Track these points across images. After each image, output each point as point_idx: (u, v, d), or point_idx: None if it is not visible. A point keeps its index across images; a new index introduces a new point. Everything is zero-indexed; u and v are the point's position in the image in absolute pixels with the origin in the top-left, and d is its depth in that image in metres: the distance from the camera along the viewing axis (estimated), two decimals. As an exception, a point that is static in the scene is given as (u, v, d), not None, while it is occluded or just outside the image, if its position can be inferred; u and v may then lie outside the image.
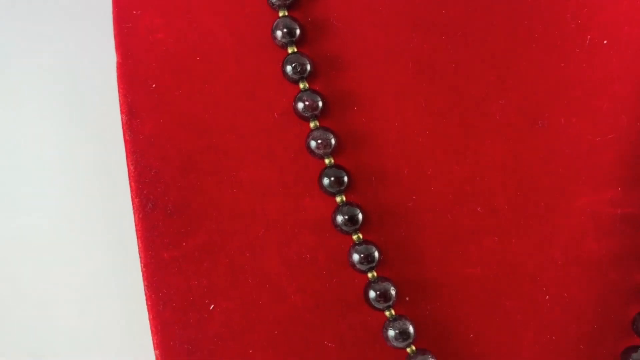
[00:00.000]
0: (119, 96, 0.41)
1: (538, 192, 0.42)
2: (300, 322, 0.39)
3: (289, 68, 0.39)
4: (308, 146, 0.39)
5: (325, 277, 0.39)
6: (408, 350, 0.39)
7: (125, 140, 0.40)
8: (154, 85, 0.41)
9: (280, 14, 0.40)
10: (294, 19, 0.40)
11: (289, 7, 0.40)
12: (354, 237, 0.39)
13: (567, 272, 0.42)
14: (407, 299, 0.40)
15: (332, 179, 0.39)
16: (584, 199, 0.43)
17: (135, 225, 0.39)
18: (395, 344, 0.38)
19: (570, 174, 0.42)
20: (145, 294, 0.39)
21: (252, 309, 0.39)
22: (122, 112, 0.41)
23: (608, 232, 0.43)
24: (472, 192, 0.41)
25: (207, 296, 0.39)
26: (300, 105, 0.39)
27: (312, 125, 0.39)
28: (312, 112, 0.39)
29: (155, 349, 0.38)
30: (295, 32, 0.40)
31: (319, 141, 0.39)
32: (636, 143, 0.43)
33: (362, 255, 0.38)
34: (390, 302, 0.38)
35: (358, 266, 0.39)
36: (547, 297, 0.42)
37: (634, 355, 0.41)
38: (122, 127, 0.41)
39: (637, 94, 0.43)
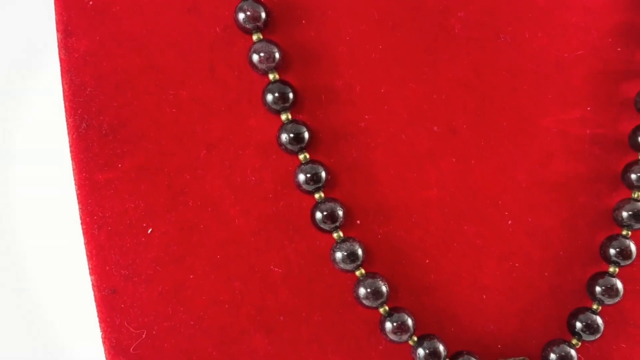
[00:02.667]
0: (55, 15, 0.39)
1: (501, 111, 0.39)
2: (245, 247, 0.37)
3: (230, -22, 0.37)
4: (250, 61, 0.37)
5: (271, 200, 0.37)
6: (357, 273, 0.36)
7: (60, 59, 0.38)
8: (90, 3, 0.39)
9: None
10: None
11: None
12: (300, 156, 0.36)
13: (532, 195, 0.39)
14: (359, 222, 0.38)
15: (277, 94, 0.36)
16: (550, 118, 0.40)
17: (70, 146, 0.37)
18: (342, 266, 0.36)
19: (536, 92, 0.40)
20: (80, 217, 0.37)
21: (193, 233, 0.37)
22: (57, 31, 0.39)
23: (577, 154, 0.40)
24: (429, 110, 0.39)
25: (144, 219, 0.37)
26: (241, 15, 0.36)
27: (255, 37, 0.37)
28: (255, 24, 0.37)
29: (90, 274, 0.36)
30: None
31: (262, 54, 0.36)
32: (608, 60, 0.40)
33: (308, 175, 0.36)
34: (338, 223, 0.36)
35: (304, 186, 0.36)
36: (510, 221, 0.39)
37: (601, 281, 0.39)
38: (58, 46, 0.39)
39: (609, 6, 0.40)
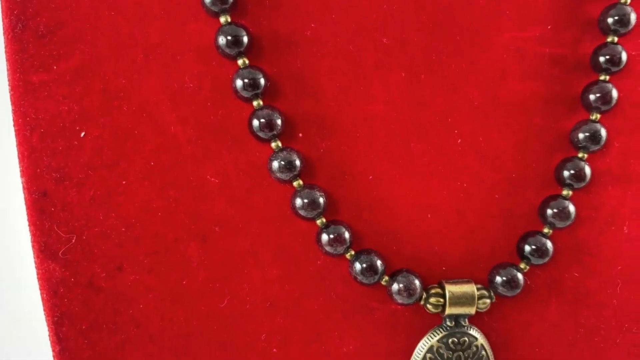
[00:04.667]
0: None
1: (455, 25, 0.38)
2: (180, 155, 0.36)
3: None
4: (190, -41, 0.35)
5: (209, 109, 0.36)
6: (294, 184, 0.35)
7: (-3, -39, 0.37)
8: None
9: None
10: None
11: None
12: (239, 61, 0.35)
13: (485, 114, 0.38)
14: (300, 135, 0.37)
15: (216, -4, 0.35)
16: (508, 34, 0.38)
17: (5, 47, 0.36)
18: (279, 175, 0.35)
19: (493, 7, 0.38)
20: (13, 119, 0.36)
21: (127, 139, 0.36)
22: None
23: (534, 73, 0.38)
24: (379, 21, 0.37)
25: (78, 123, 0.36)
26: None
27: (194, -62, 0.35)
28: None
29: (21, 176, 0.36)
30: None
31: (202, -45, 0.35)
32: (572, -25, 0.38)
33: (246, 81, 0.35)
34: (276, 132, 0.35)
35: (241, 93, 0.35)
36: (460, 140, 0.38)
37: (553, 203, 0.37)
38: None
39: None
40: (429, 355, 0.37)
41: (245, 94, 0.35)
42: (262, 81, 0.35)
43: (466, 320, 0.37)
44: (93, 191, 0.35)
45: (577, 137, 0.37)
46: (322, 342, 0.37)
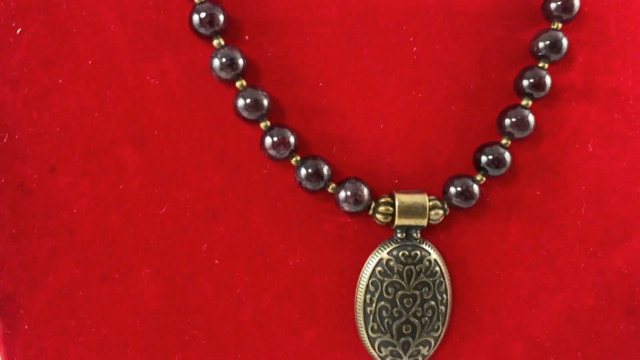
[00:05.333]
0: None
1: None
2: (119, 54, 0.34)
3: None
4: None
5: (151, 8, 0.34)
6: (237, 84, 0.34)
7: None
8: None
9: None
10: None
11: None
12: (182, -43, 0.34)
13: (442, 22, 0.36)
14: (247, 37, 0.35)
15: None
16: (466, -58, 0.37)
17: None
18: (220, 74, 0.33)
19: None
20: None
21: (65, 37, 0.34)
22: None
23: (494, -17, 0.37)
24: None
25: (14, 19, 0.34)
26: None
27: None
28: None
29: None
30: None
31: None
32: None
33: (188, -23, 0.33)
34: (217, 28, 0.33)
35: (184, -12, 0.34)
36: (415, 48, 0.36)
37: (512, 113, 0.35)
38: None
39: None
40: (378, 268, 0.35)
41: (187, -9, 0.34)
42: (207, -19, 0.34)
43: (418, 233, 0.35)
44: (27, 89, 0.34)
45: (537, 46, 0.36)
46: (266, 255, 0.35)
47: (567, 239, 0.37)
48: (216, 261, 0.35)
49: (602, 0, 0.37)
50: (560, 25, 0.36)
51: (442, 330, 0.36)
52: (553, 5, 0.36)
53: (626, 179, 0.37)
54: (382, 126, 0.36)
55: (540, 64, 0.36)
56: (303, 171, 0.33)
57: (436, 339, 0.36)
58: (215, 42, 0.34)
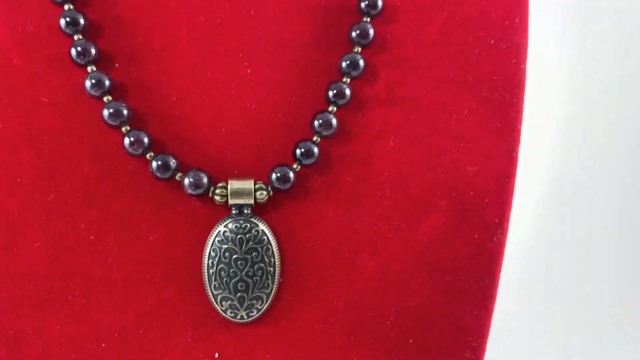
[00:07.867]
0: None
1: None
2: (19, 79, 0.45)
3: None
4: None
5: (45, 40, 0.45)
6: (105, 99, 0.44)
7: None
8: None
9: None
10: None
11: None
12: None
13: (271, 51, 0.47)
14: (117, 65, 0.46)
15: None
16: (287, -13, 0.48)
17: None
18: (91, 92, 0.44)
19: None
20: None
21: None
22: None
23: (312, 19, 0.47)
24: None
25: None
26: None
27: None
28: None
29: None
30: None
31: None
32: None
33: (67, 20, 0.44)
34: (90, 59, 0.44)
35: (65, 30, 0.44)
36: (249, 71, 0.47)
37: (319, 115, 0.46)
38: None
39: None
40: (218, 238, 0.44)
41: (68, 30, 0.44)
42: (82, 21, 0.44)
43: (249, 210, 0.45)
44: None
45: (341, 66, 0.46)
46: (132, 232, 0.45)
47: (375, 216, 0.47)
48: (92, 237, 0.45)
49: (402, 30, 0.48)
50: (359, 49, 0.47)
51: (272, 288, 0.45)
52: (354, 34, 0.47)
53: (422, 167, 0.47)
54: (223, 130, 0.46)
55: (344, 79, 0.46)
56: (154, 164, 0.44)
57: (268, 295, 0.45)
58: (88, 69, 0.44)
